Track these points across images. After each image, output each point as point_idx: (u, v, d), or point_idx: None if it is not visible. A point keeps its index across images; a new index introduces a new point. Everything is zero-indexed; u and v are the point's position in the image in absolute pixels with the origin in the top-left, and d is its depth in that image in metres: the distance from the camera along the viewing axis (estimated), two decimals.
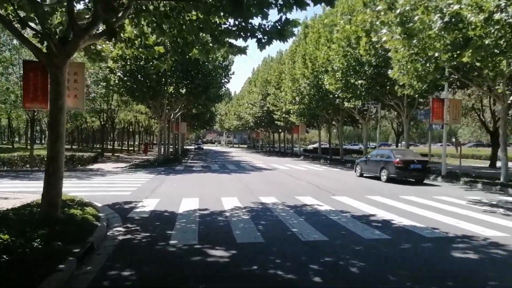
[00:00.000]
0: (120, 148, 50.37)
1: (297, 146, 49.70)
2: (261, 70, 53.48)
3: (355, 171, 19.84)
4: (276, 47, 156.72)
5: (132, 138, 61.86)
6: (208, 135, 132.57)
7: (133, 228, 7.53)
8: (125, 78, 23.53)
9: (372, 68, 21.44)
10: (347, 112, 33.71)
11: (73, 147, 49.05)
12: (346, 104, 25.05)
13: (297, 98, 30.89)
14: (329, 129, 42.22)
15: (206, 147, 79.23)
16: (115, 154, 37.96)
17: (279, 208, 9.81)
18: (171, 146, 40.15)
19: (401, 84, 17.50)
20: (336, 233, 7.35)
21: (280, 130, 55.08)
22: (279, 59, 47.14)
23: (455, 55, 11.68)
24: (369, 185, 15.56)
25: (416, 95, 18.95)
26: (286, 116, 37.20)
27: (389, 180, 16.39)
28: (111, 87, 24.80)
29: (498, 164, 22.58)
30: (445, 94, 18.57)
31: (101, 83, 25.07)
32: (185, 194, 12.06)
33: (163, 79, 25.57)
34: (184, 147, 61.54)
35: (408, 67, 15.77)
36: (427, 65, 14.94)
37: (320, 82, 27.79)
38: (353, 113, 31.12)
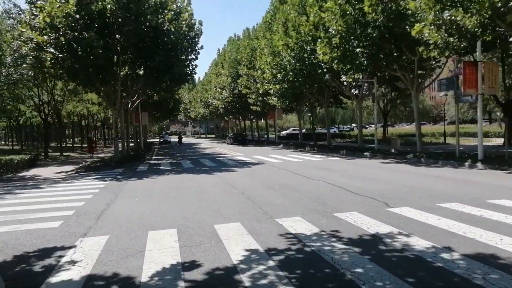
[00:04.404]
0: (72, 146, 43.94)
1: (273, 133, 45.38)
2: (228, 50, 48.31)
3: None
4: (243, 24, 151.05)
5: (88, 134, 55.07)
6: (172, 126, 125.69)
7: None
8: (61, 56, 17.88)
9: (377, 30, 17.19)
10: (333, 91, 29.70)
11: (14, 147, 42.11)
12: (343, 78, 20.74)
13: (278, 76, 26.22)
14: (300, 113, 37.89)
15: (172, 139, 72.76)
16: (64, 154, 31.98)
17: (337, 250, 5.23)
18: (132, 141, 34.59)
19: (431, 42, 13.29)
20: None
21: (252, 117, 50.43)
22: (248, 35, 42.21)
23: None
24: (421, 182, 11.37)
25: (443, 58, 14.90)
26: (265, 98, 32.51)
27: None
28: (45, 69, 19.03)
29: None
30: (479, 56, 14.60)
31: (27, 61, 19.03)
32: (152, 221, 7.29)
33: (114, 56, 20.13)
34: (147, 140, 55.66)
35: (445, 16, 11.56)
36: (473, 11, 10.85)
37: (306, 55, 23.33)
38: (343, 91, 27.01)
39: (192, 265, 4.83)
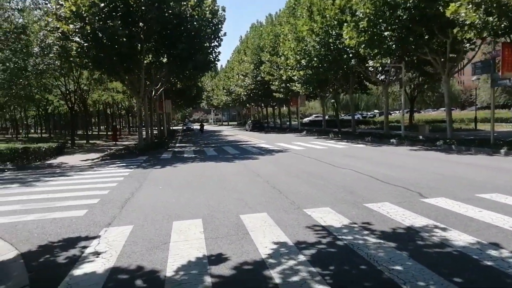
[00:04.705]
0: (97, 134, 44.73)
1: (296, 120, 44.84)
2: (251, 37, 47.71)
3: None
4: (266, 11, 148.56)
5: (113, 122, 55.98)
6: (195, 113, 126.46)
7: None
8: (86, 45, 17.93)
9: (408, 12, 16.38)
10: (358, 77, 28.89)
11: (43, 135, 43.21)
12: (370, 63, 20.01)
13: (303, 62, 25.59)
14: (324, 99, 37.11)
15: (195, 126, 72.88)
16: (90, 142, 32.52)
17: (371, 244, 4.91)
18: (155, 128, 34.84)
19: (467, 23, 12.51)
20: None
21: (274, 104, 49.92)
22: (270, 22, 41.48)
23: None
24: (455, 171, 10.84)
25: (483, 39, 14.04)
26: (288, 85, 31.94)
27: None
28: (71, 59, 19.13)
29: None
30: None
31: (53, 51, 19.14)
32: (177, 210, 7.14)
33: (138, 44, 20.06)
34: (171, 128, 56.14)
35: None
36: None
37: (331, 40, 22.64)
38: (368, 77, 26.21)
39: (218, 259, 4.62)
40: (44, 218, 6.94)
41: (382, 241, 4.99)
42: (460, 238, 4.93)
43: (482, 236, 5.00)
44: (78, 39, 17.82)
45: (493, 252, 4.41)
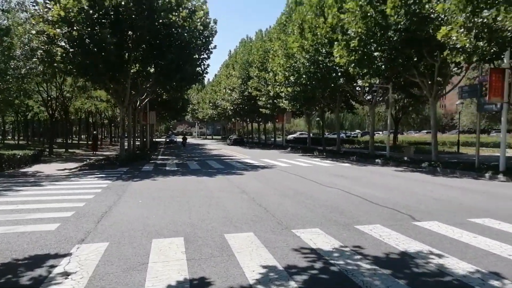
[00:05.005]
0: (77, 143, 43.63)
1: (281, 137, 44.71)
2: (240, 52, 47.78)
3: None
4: (256, 27, 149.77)
5: (94, 131, 54.79)
6: (179, 126, 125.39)
7: None
8: (72, 50, 17.40)
9: (398, 33, 16.49)
10: (345, 96, 29.02)
11: (20, 142, 41.84)
12: (359, 82, 20.03)
13: (291, 78, 25.54)
14: (309, 117, 37.26)
15: (178, 139, 71.74)
16: (69, 151, 31.56)
17: (365, 271, 4.56)
18: (138, 140, 34.14)
19: (458, 46, 12.59)
20: None
21: (260, 119, 49.76)
22: (260, 38, 41.65)
23: None
24: (444, 194, 10.69)
25: (471, 64, 14.17)
26: (275, 101, 31.82)
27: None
28: (55, 64, 18.51)
29: None
30: (507, 63, 13.85)
31: (37, 55, 18.47)
32: (157, 227, 6.68)
33: (125, 53, 19.65)
34: (154, 140, 55.29)
35: (483, 15, 10.91)
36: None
37: (321, 58, 22.69)
38: (356, 96, 26.32)
39: (201, 283, 4.20)
40: (10, 232, 6.39)
41: (376, 267, 4.67)
42: (459, 266, 4.65)
43: (481, 264, 4.73)
44: (64, 44, 17.29)
45: (496, 283, 4.13)
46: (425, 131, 63.42)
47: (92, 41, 17.24)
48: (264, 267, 4.67)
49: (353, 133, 73.76)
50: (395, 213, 7.76)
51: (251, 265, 4.74)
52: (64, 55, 17.71)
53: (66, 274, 4.47)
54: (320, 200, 9.27)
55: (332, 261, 4.87)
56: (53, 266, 4.74)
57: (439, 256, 5.06)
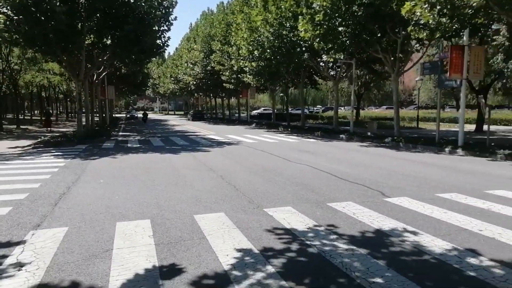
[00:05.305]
0: (30, 119, 41.17)
1: (245, 112, 44.37)
2: (201, 25, 46.24)
3: None
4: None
5: (47, 106, 51.78)
6: (140, 101, 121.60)
7: None
8: (16, 18, 15.90)
9: (363, 8, 16.38)
10: (309, 71, 28.93)
11: None
12: (324, 57, 19.91)
13: (255, 53, 25.00)
14: (273, 92, 37.15)
15: (139, 115, 69.31)
16: (21, 127, 29.66)
17: (343, 251, 4.43)
18: (97, 115, 32.60)
19: (421, 23, 12.63)
20: None
21: (223, 94, 48.98)
22: (222, 10, 40.39)
23: None
24: (410, 169, 10.83)
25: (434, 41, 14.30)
26: (239, 76, 31.21)
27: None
28: None
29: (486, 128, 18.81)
30: (466, 40, 14.11)
31: None
32: (121, 209, 6.26)
33: (78, 22, 18.30)
34: (113, 115, 53.21)
35: None
36: None
37: (285, 32, 22.29)
38: (320, 71, 26.28)
39: (172, 271, 3.90)
40: None
41: (354, 247, 4.55)
42: (434, 244, 4.63)
43: (455, 241, 4.73)
44: (5, 11, 15.76)
45: (473, 261, 4.12)
46: (385, 106, 65.18)
47: (38, 8, 15.80)
48: (239, 250, 4.43)
49: (315, 108, 74.61)
50: (366, 189, 7.74)
51: (225, 248, 4.49)
52: (7, 22, 16.19)
53: (19, 265, 4.02)
54: (289, 177, 9.13)
55: (308, 242, 4.71)
56: (4, 256, 4.26)
57: (414, 233, 5.03)
